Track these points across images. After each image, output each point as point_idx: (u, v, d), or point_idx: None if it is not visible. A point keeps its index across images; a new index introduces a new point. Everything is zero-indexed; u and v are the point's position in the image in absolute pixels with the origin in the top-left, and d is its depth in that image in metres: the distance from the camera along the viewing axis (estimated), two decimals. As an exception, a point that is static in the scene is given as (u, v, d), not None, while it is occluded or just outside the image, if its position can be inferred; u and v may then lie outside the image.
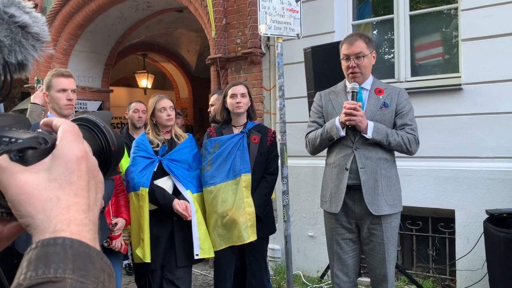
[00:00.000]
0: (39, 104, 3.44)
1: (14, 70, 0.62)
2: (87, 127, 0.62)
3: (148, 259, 3.01)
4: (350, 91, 2.67)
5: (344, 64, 2.77)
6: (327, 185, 2.81)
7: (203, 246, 3.05)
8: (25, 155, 0.50)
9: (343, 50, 2.76)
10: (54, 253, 0.44)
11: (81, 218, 0.49)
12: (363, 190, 2.64)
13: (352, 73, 2.72)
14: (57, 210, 0.48)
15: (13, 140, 0.50)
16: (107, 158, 0.62)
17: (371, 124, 2.62)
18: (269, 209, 3.34)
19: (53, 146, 0.52)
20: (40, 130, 0.55)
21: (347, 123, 2.61)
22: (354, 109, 2.58)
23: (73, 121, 0.62)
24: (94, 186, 0.53)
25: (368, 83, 2.80)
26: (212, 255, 3.14)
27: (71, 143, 0.52)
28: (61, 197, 0.49)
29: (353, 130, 2.68)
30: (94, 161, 0.55)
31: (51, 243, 0.45)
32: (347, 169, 2.67)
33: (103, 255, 0.48)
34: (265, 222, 3.26)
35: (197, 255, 3.04)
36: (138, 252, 3.06)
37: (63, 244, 0.45)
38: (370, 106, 2.73)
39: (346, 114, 2.59)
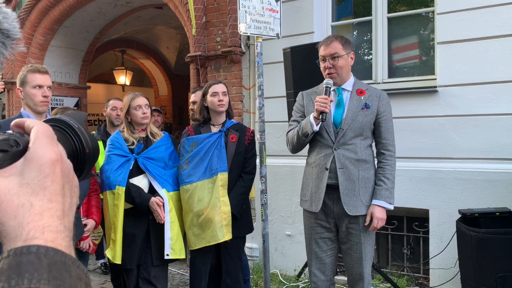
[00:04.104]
0: None
1: None
2: (60, 128, 0.59)
3: (118, 260, 2.97)
4: (324, 86, 2.68)
5: (321, 65, 2.80)
6: (308, 184, 2.83)
7: (174, 246, 3.03)
8: None
9: (320, 51, 2.80)
10: (28, 262, 0.42)
11: (56, 224, 0.46)
12: (340, 190, 2.67)
13: (328, 73, 2.75)
14: (30, 216, 0.45)
15: None
16: (81, 161, 0.60)
17: (382, 203, 2.69)
18: (246, 209, 3.34)
19: (25, 148, 0.49)
20: (11, 131, 0.52)
21: (319, 109, 2.59)
22: (326, 102, 2.58)
23: (46, 122, 0.59)
24: (69, 191, 0.51)
25: (349, 84, 2.82)
26: (183, 256, 3.11)
27: (45, 146, 0.49)
28: (34, 203, 0.46)
29: (334, 131, 2.71)
30: (69, 164, 0.53)
31: (24, 252, 0.42)
32: (327, 169, 2.70)
33: (79, 263, 0.46)
34: (242, 221, 3.26)
35: (167, 255, 3.01)
36: (108, 253, 3.02)
37: (37, 252, 0.43)
38: (352, 106, 2.74)
39: (317, 104, 2.58)
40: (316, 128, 2.67)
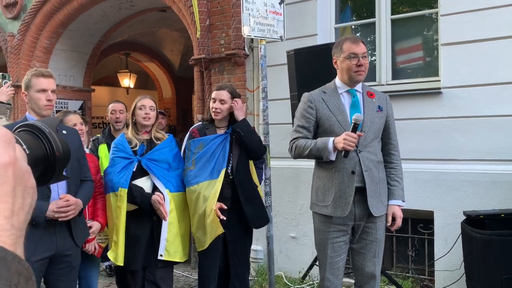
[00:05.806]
0: (4, 103, 3.36)
1: None
2: (32, 132, 0.63)
3: (120, 262, 2.98)
4: (353, 122, 2.54)
5: (351, 62, 2.66)
6: (328, 189, 2.72)
7: (169, 248, 3.02)
8: None
9: (350, 48, 2.66)
10: None
11: (2, 223, 0.50)
12: (367, 193, 2.64)
13: (359, 71, 2.67)
14: None
15: None
16: (51, 163, 0.64)
17: (400, 202, 2.76)
18: (259, 201, 3.34)
19: None
20: None
21: (347, 148, 2.52)
22: (355, 142, 2.52)
23: (19, 127, 0.64)
24: (22, 192, 0.54)
25: (359, 86, 2.80)
26: (177, 259, 3.08)
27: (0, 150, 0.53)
28: None
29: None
30: (24, 167, 0.55)
31: None
32: (353, 172, 2.64)
33: (20, 259, 0.49)
34: (260, 211, 3.30)
35: (161, 255, 3.01)
36: (110, 254, 3.02)
37: None
38: (368, 109, 2.71)
39: (346, 143, 2.50)
40: (333, 158, 2.63)
